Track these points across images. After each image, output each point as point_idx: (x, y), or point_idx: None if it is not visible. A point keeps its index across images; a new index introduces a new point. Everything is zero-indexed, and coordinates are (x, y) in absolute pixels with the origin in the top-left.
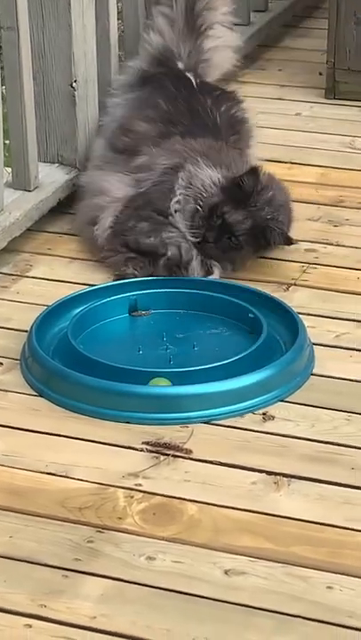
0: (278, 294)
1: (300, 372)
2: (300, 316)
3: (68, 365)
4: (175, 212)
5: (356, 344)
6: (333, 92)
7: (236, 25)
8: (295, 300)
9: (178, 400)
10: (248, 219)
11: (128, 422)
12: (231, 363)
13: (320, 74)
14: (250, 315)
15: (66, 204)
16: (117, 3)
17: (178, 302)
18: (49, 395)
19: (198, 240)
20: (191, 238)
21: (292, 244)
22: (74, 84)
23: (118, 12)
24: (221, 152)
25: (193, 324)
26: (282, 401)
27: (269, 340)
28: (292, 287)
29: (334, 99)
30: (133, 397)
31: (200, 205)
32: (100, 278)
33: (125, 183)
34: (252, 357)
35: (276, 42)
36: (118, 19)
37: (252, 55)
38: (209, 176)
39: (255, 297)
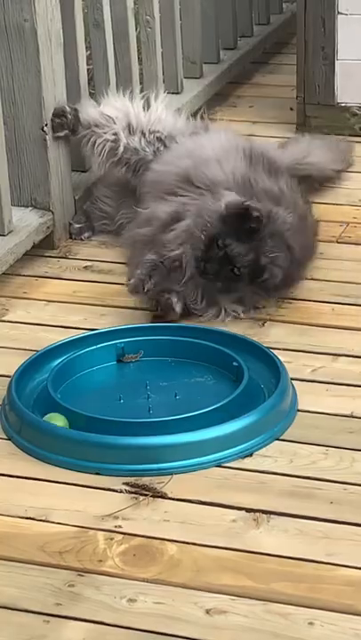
0: (254, 330)
1: (284, 416)
2: (277, 351)
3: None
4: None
5: (332, 378)
6: (305, 126)
7: (206, 63)
8: (271, 335)
9: (157, 451)
10: (250, 253)
11: (98, 473)
12: (206, 413)
13: (291, 109)
14: (234, 363)
15: (40, 247)
16: (86, 46)
17: (164, 350)
18: (22, 444)
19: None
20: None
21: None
22: (45, 128)
23: (87, 55)
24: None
25: (178, 372)
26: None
27: (251, 388)
28: (268, 322)
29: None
30: (103, 448)
31: (203, 236)
32: (76, 320)
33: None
34: (231, 406)
35: (246, 79)
36: (88, 63)
37: (223, 92)
38: (210, 204)
39: (242, 344)
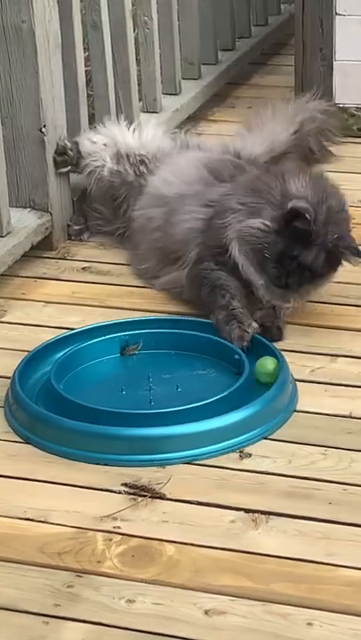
0: None
1: (283, 408)
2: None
3: (51, 409)
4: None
5: (330, 378)
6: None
7: (204, 64)
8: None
9: (156, 442)
10: (321, 252)
11: (107, 464)
12: (208, 404)
13: None
14: (235, 356)
15: (39, 248)
16: (84, 47)
17: (167, 343)
18: (35, 440)
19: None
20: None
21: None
22: (43, 129)
23: (85, 57)
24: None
25: (181, 364)
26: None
27: (252, 381)
28: None
29: None
30: (108, 439)
31: (267, 254)
32: (75, 321)
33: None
34: (231, 398)
35: (244, 79)
36: (86, 65)
37: (222, 93)
38: (256, 224)
39: None
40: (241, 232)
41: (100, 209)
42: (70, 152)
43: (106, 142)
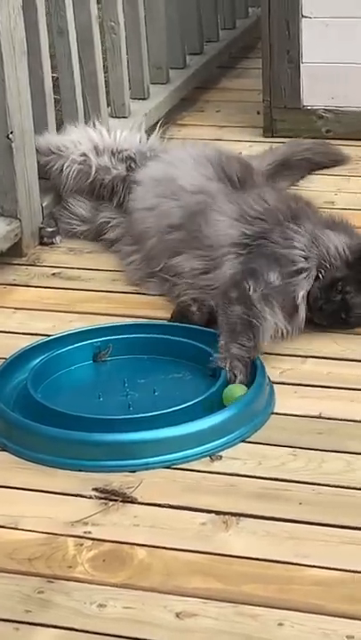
0: None
1: (261, 411)
2: None
3: (29, 416)
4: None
5: (300, 379)
6: (271, 130)
7: (172, 68)
8: None
9: (135, 447)
10: None
11: (80, 470)
12: (187, 407)
13: (258, 113)
14: (211, 358)
15: (8, 255)
16: (50, 52)
17: (140, 348)
18: (12, 447)
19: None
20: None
21: None
22: (10, 136)
23: (52, 62)
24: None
25: (155, 369)
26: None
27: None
28: None
29: (272, 137)
30: (84, 445)
31: (322, 274)
32: (45, 327)
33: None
34: (211, 401)
35: (213, 83)
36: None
37: (190, 97)
38: (334, 241)
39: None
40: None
41: (76, 209)
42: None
43: (79, 139)
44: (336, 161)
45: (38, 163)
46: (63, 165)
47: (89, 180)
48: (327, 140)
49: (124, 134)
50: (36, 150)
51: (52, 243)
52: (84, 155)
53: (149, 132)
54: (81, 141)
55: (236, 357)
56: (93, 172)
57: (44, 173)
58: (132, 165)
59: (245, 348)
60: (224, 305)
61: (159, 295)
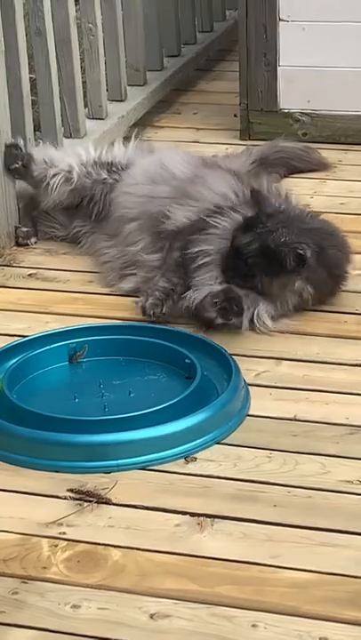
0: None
1: (236, 413)
2: None
3: (4, 417)
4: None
5: (275, 382)
6: (248, 132)
7: (149, 70)
8: (215, 340)
9: (110, 448)
10: (255, 241)
11: (57, 471)
12: (163, 409)
13: (235, 115)
14: (186, 360)
15: None
16: (28, 54)
17: (116, 349)
18: None
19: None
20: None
21: (304, 262)
22: None
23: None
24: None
25: (131, 370)
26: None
27: (204, 385)
28: (211, 328)
29: (249, 139)
30: (59, 446)
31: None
32: (21, 328)
33: None
34: (185, 403)
35: (190, 86)
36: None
37: (168, 99)
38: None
39: (194, 341)
40: None
41: (57, 215)
42: (22, 149)
43: (67, 153)
44: (316, 169)
45: (32, 172)
46: (50, 175)
47: (71, 187)
48: (309, 145)
49: (108, 148)
50: (32, 160)
51: (27, 244)
52: (69, 164)
53: (128, 132)
54: (68, 154)
55: (158, 288)
56: (75, 179)
57: (34, 184)
58: (113, 172)
59: (171, 282)
60: (167, 254)
61: (134, 295)
